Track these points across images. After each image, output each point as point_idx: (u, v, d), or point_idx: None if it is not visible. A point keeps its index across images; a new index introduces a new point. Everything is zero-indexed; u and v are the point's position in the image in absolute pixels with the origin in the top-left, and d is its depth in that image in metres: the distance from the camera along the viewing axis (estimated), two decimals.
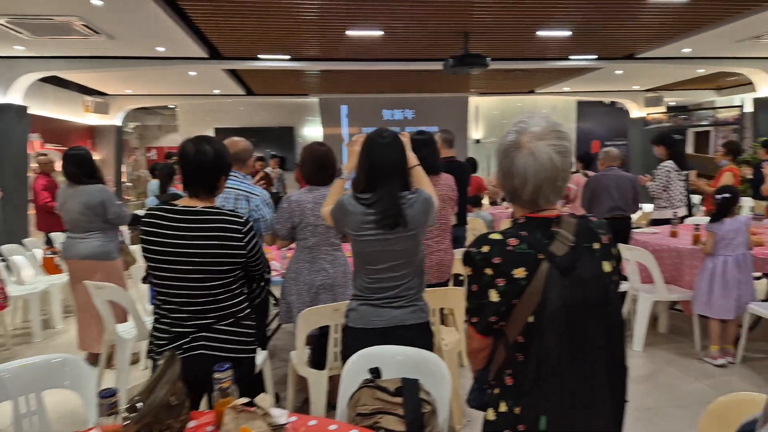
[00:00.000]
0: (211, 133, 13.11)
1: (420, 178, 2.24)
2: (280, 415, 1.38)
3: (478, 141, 14.17)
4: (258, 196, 2.91)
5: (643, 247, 4.15)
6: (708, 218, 5.20)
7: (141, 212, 8.32)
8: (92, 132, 11.52)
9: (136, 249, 4.26)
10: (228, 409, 1.35)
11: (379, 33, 7.10)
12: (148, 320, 3.16)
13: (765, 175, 4.95)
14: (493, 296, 1.21)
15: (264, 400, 1.37)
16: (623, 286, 4.30)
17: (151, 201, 4.51)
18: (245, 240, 1.89)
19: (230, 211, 1.92)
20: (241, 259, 1.89)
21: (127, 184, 13.06)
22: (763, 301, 3.97)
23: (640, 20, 6.78)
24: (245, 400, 1.37)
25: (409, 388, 1.69)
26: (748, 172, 4.96)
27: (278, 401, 3.19)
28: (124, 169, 12.54)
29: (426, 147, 2.93)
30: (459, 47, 7.40)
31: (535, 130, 1.23)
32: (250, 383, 1.96)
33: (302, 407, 3.16)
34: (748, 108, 10.59)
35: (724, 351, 3.66)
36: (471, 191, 5.77)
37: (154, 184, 7.20)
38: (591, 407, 1.17)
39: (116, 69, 8.22)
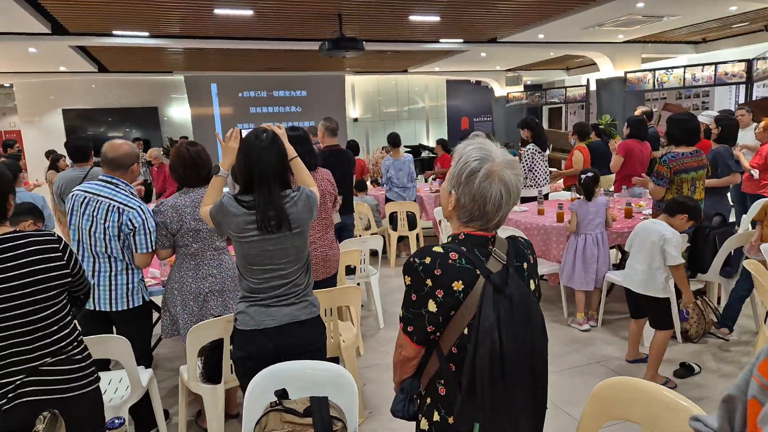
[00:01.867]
0: (58, 115, 11.66)
1: (299, 170, 2.27)
2: None
3: (356, 120, 14.25)
4: (134, 209, 2.63)
5: (515, 226, 4.50)
6: (567, 193, 5.81)
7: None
8: None
9: None
10: None
11: (249, 12, 6.74)
12: None
13: (612, 152, 5.59)
14: (432, 306, 1.27)
15: None
16: None
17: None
18: (65, 258, 1.69)
19: (37, 231, 1.71)
20: (66, 279, 1.70)
21: None
22: (614, 267, 4.53)
23: (501, 9, 7.20)
24: None
25: (319, 408, 1.67)
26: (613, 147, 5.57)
27: (168, 417, 2.99)
28: None
29: (301, 144, 2.87)
30: (334, 29, 7.30)
31: (500, 160, 1.30)
32: (96, 421, 1.79)
33: (196, 420, 3.00)
34: (593, 87, 11.84)
35: (588, 316, 4.13)
36: (355, 176, 5.79)
37: None
38: (517, 414, 1.26)
39: None
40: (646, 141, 5.47)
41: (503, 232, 4.39)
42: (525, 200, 5.63)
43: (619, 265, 4.78)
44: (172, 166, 2.75)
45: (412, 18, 7.47)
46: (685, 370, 3.32)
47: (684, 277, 3.16)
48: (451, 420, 1.30)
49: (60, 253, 1.68)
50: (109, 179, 2.68)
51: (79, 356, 1.75)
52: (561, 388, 3.25)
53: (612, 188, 5.66)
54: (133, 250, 2.66)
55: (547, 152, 5.86)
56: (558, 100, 13.45)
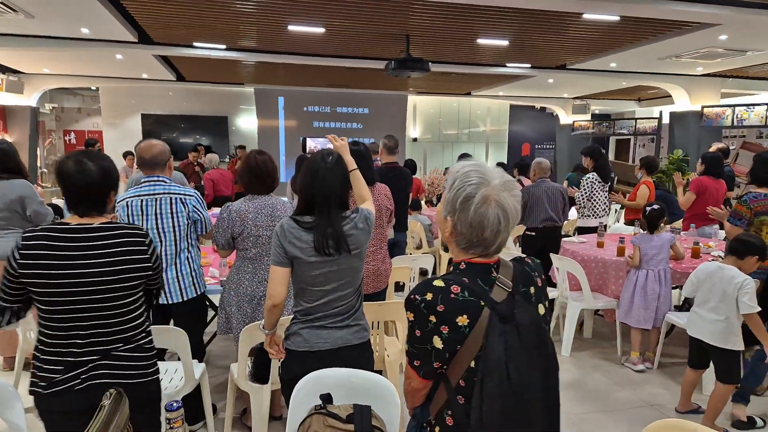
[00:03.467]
0: (137, 119, 12.44)
1: (357, 182, 2.27)
2: None
3: (415, 139, 14.34)
4: (192, 196, 2.85)
5: (572, 257, 4.38)
6: (629, 227, 5.60)
7: (58, 201, 7.75)
8: (4, 112, 10.57)
9: None
10: None
11: (321, 30, 6.99)
12: None
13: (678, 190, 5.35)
14: (437, 343, 1.23)
15: None
16: (553, 293, 4.52)
17: None
18: (149, 252, 1.81)
19: (129, 224, 1.83)
20: (147, 272, 1.81)
21: (43, 169, 12.13)
22: (676, 308, 4.31)
23: (572, 35, 7.10)
24: None
25: (361, 415, 1.68)
26: (680, 182, 5.35)
27: (216, 412, 3.09)
28: (39, 153, 11.61)
29: (360, 159, 2.93)
30: (400, 49, 7.43)
31: (497, 182, 1.26)
32: (154, 408, 1.88)
33: (241, 417, 3.08)
34: (666, 119, 11.40)
35: (643, 357, 3.94)
36: (411, 195, 5.83)
37: None
38: None
39: (35, 48, 7.57)
40: (722, 179, 5.20)
41: (559, 262, 4.30)
42: (583, 231, 5.48)
43: (681, 307, 4.54)
44: (240, 172, 2.88)
45: (480, 41, 7.49)
46: (748, 422, 3.10)
47: (762, 326, 2.90)
48: None
49: (146, 247, 1.80)
50: (155, 178, 2.82)
51: (148, 346, 1.86)
52: (608, 427, 3.12)
53: (680, 225, 5.41)
54: (202, 231, 2.90)
55: (610, 184, 5.68)
56: (627, 131, 13.02)
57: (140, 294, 1.83)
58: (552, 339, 1.29)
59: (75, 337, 1.71)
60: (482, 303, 1.22)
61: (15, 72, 10.26)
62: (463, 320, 1.21)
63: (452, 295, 1.22)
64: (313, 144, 2.38)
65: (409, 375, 1.34)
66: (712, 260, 4.03)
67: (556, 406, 1.28)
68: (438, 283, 1.25)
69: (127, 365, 1.77)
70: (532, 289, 1.31)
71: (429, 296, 1.23)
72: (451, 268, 1.33)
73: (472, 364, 1.22)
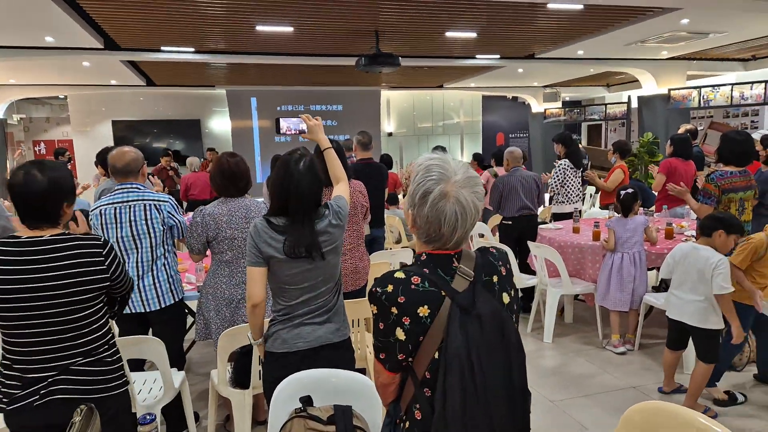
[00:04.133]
0: (108, 126, 12.18)
1: (332, 162, 2.27)
2: None
3: (390, 134, 14.34)
4: (167, 202, 2.81)
5: (549, 244, 4.43)
6: (604, 211, 5.69)
7: None
8: None
9: None
10: None
11: (290, 29, 6.93)
12: None
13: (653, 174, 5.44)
14: (400, 334, 1.23)
15: None
16: (532, 281, 4.57)
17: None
18: (107, 263, 1.76)
19: (84, 235, 1.77)
20: (105, 284, 1.76)
21: None
22: (653, 289, 4.40)
23: (539, 25, 7.16)
24: None
25: (343, 416, 1.68)
26: (654, 169, 5.43)
27: (198, 420, 3.05)
28: (8, 165, 11.30)
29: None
30: (370, 45, 7.41)
31: (457, 179, 1.26)
32: (123, 422, 1.84)
33: (225, 424, 3.06)
34: (634, 104, 11.58)
35: (624, 339, 4.01)
36: (388, 189, 5.82)
37: None
38: None
39: None
40: (691, 160, 5.31)
41: (536, 249, 4.33)
42: (559, 217, 5.55)
43: (659, 288, 4.64)
44: (212, 175, 2.85)
45: (449, 34, 7.51)
46: (729, 399, 3.17)
47: (732, 307, 2.93)
48: None
49: (102, 258, 1.74)
50: (128, 185, 2.76)
51: (110, 359, 1.81)
52: (591, 411, 3.17)
53: (652, 207, 5.51)
54: (180, 236, 2.85)
55: (582, 170, 5.75)
56: (598, 117, 13.19)
57: (99, 306, 1.78)
58: (517, 328, 1.28)
59: (32, 353, 1.67)
60: (443, 293, 1.22)
61: None
62: (423, 311, 1.21)
63: (413, 286, 1.22)
64: (286, 125, 2.31)
65: (377, 369, 1.34)
66: (685, 240, 4.12)
67: (524, 397, 1.27)
68: (399, 274, 1.25)
69: (88, 380, 1.73)
70: (495, 278, 1.31)
71: (390, 288, 1.23)
72: (413, 261, 1.33)
73: (436, 355, 1.22)
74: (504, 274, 1.34)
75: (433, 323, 1.21)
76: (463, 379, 1.16)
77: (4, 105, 10.69)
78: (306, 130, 2.32)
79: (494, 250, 1.37)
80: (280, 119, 2.32)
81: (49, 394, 1.67)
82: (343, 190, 2.22)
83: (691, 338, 3.17)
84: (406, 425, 1.33)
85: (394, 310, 1.22)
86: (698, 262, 2.99)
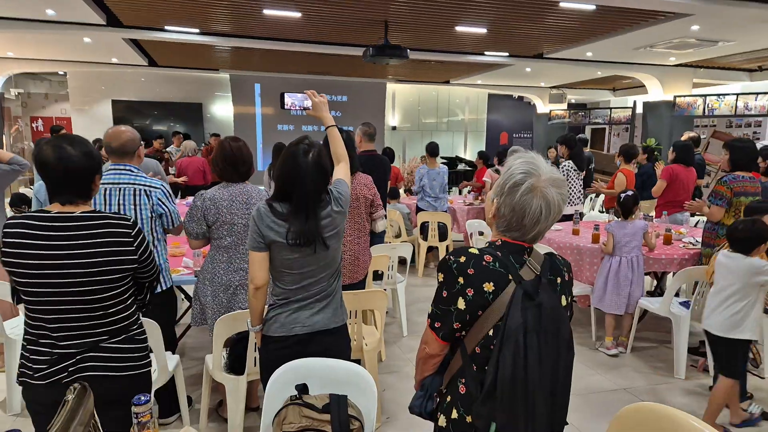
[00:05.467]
0: (107, 106, 12.10)
1: (334, 140, 2.25)
2: None
3: (394, 128, 14.30)
4: (158, 188, 2.73)
5: (548, 244, 4.42)
6: (604, 215, 5.68)
7: (26, 191, 7.50)
8: None
9: None
10: None
11: (297, 15, 6.87)
12: None
13: (656, 177, 5.44)
14: (461, 304, 1.29)
15: None
16: None
17: (41, 186, 3.99)
18: (135, 244, 1.74)
19: (115, 214, 1.75)
20: (132, 265, 1.74)
21: None
22: (649, 294, 4.40)
23: (549, 24, 7.13)
24: None
25: (338, 405, 1.67)
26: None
27: (191, 404, 3.04)
28: (5, 141, 11.22)
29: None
30: (379, 36, 7.36)
31: (547, 177, 1.32)
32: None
33: (217, 409, 3.04)
34: (639, 109, 11.57)
35: (617, 342, 4.02)
36: (389, 183, 5.80)
37: None
38: (534, 420, 1.25)
39: None
40: (692, 167, 5.31)
41: (539, 250, 4.33)
42: (559, 219, 5.53)
43: (653, 292, 4.64)
44: (214, 159, 2.81)
45: (459, 29, 7.47)
46: (763, 417, 3.03)
47: None
48: (468, 419, 1.32)
49: (131, 238, 1.72)
50: (122, 166, 2.69)
51: (139, 337, 1.81)
52: (582, 411, 3.17)
53: (653, 213, 5.51)
54: (169, 225, 2.77)
55: (585, 172, 5.76)
56: (602, 120, 13.19)
57: (128, 285, 1.77)
58: (571, 330, 1.32)
59: (60, 330, 1.66)
60: (510, 277, 1.28)
61: None
62: (489, 287, 1.27)
63: (484, 263, 1.29)
64: (290, 100, 2.26)
65: (426, 339, 1.40)
66: (683, 246, 4.13)
67: (566, 393, 1.33)
68: (473, 250, 1.33)
69: (116, 357, 1.72)
70: (558, 280, 1.37)
71: (462, 259, 1.30)
72: (487, 245, 1.38)
73: (491, 332, 1.28)
74: (567, 280, 1.40)
75: (495, 300, 1.27)
76: (516, 358, 1.21)
77: (1, 78, 10.58)
78: (310, 107, 2.29)
79: (560, 258, 1.44)
80: (285, 94, 2.29)
81: (78, 371, 1.66)
82: (343, 172, 2.19)
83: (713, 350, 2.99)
84: (448, 399, 1.38)
85: (461, 279, 1.29)
86: (741, 269, 2.78)
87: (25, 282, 1.62)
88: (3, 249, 1.61)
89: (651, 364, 3.84)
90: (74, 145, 1.66)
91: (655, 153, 8.75)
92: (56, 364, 1.65)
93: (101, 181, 2.62)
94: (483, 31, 7.56)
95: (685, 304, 3.74)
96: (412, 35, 7.94)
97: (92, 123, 11.89)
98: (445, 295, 1.32)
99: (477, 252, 1.32)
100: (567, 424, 1.35)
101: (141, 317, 1.87)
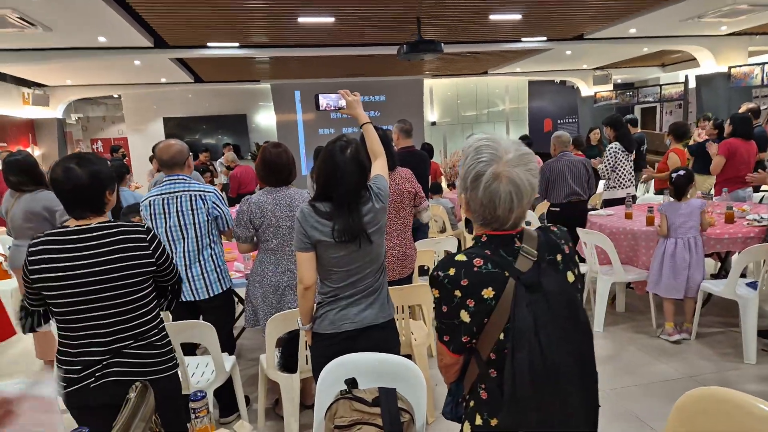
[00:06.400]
0: (160, 123, 12.65)
1: (370, 136, 2.26)
2: None
3: (433, 123, 14.23)
4: (212, 192, 2.88)
5: (600, 230, 4.28)
6: (658, 197, 5.45)
7: None
8: (32, 126, 10.90)
9: None
10: None
11: (331, 19, 6.96)
12: None
13: (711, 155, 5.17)
14: (464, 317, 1.22)
15: (243, 427, 1.33)
16: (582, 268, 4.43)
17: None
18: (151, 249, 1.81)
19: (129, 223, 1.84)
20: (150, 269, 1.82)
21: None
22: (713, 277, 4.19)
23: (587, 2, 6.90)
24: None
25: (387, 398, 1.68)
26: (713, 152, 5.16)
27: (248, 404, 3.14)
28: None
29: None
30: (412, 32, 7.35)
31: (510, 157, 1.22)
32: (177, 404, 1.90)
33: (274, 407, 3.13)
34: (692, 84, 11.01)
35: (680, 328, 3.84)
36: (430, 178, 5.78)
37: None
38: (565, 419, 1.19)
39: (56, 61, 7.75)
40: (752, 140, 5.01)
41: (586, 236, 4.19)
42: (610, 203, 5.36)
43: (718, 275, 4.41)
44: (257, 166, 2.90)
45: (493, 17, 7.35)
46: None
47: None
48: (493, 422, 1.25)
49: (147, 243, 1.81)
50: (175, 177, 2.85)
51: (160, 342, 1.88)
52: (646, 401, 3.06)
53: (712, 191, 5.23)
54: (224, 227, 2.91)
55: (637, 153, 5.54)
56: (652, 99, 12.63)
57: (148, 290, 1.85)
58: (584, 307, 1.26)
59: (87, 337, 1.76)
60: (506, 274, 1.20)
61: (40, 86, 10.56)
62: (488, 293, 1.19)
63: (475, 269, 1.21)
64: (325, 101, 2.30)
65: (440, 351, 1.33)
66: (748, 225, 3.90)
67: (593, 376, 1.25)
68: (460, 257, 1.23)
69: (140, 362, 1.80)
70: (559, 257, 1.28)
71: (452, 271, 1.22)
72: (473, 242, 1.31)
73: (501, 336, 1.20)
74: (567, 252, 1.31)
75: (498, 304, 1.19)
76: (532, 359, 1.14)
77: (62, 105, 11.27)
78: (345, 106, 2.33)
79: (556, 229, 1.34)
80: (319, 95, 2.33)
81: (104, 376, 1.76)
82: (381, 167, 2.21)
83: None
84: (471, 404, 1.33)
85: (457, 293, 1.21)
86: None
87: (53, 295, 1.72)
88: (29, 267, 1.70)
89: (718, 350, 3.65)
90: (81, 165, 1.74)
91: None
92: (85, 370, 1.75)
93: (159, 192, 2.80)
94: (518, 17, 7.40)
95: (753, 285, 3.53)
96: (445, 28, 7.88)
97: (147, 140, 12.44)
98: (445, 310, 1.24)
99: (465, 258, 1.22)
100: (599, 406, 1.28)
101: (163, 322, 1.94)
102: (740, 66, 9.79)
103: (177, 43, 7.93)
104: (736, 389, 1.45)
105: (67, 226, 1.76)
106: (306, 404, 3.00)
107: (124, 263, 1.74)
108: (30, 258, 1.70)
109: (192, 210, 2.80)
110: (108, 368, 1.76)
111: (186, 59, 9.29)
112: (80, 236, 1.73)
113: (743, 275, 3.64)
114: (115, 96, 13.08)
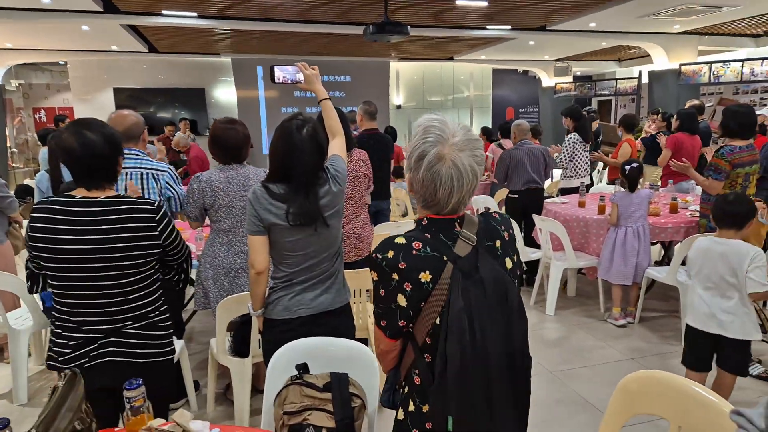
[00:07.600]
0: (110, 94, 12.06)
1: (329, 113, 2.20)
2: (202, 429, 1.29)
3: (399, 107, 14.16)
4: (166, 171, 2.70)
5: (554, 217, 4.37)
6: (611, 186, 5.61)
7: (30, 182, 7.52)
8: None
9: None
10: (142, 431, 1.24)
11: None
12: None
13: (661, 146, 5.35)
14: (401, 301, 1.20)
15: (183, 416, 1.28)
16: (537, 254, 4.54)
17: (42, 176, 3.97)
18: (159, 228, 1.73)
19: (139, 198, 1.73)
20: (156, 249, 1.74)
21: (13, 149, 11.78)
22: (656, 264, 4.36)
23: None
24: (161, 421, 1.26)
25: (338, 384, 1.66)
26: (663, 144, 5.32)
27: (198, 389, 3.07)
28: (8, 133, 11.24)
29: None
30: (378, 13, 7.23)
31: (456, 140, 1.20)
32: (166, 387, 1.84)
33: (225, 392, 3.07)
34: (645, 79, 11.36)
35: (625, 312, 3.99)
36: (393, 162, 5.76)
37: (45, 152, 6.49)
38: (492, 407, 1.17)
39: None
40: (697, 135, 5.22)
41: (541, 223, 4.29)
42: (566, 192, 5.48)
43: (661, 262, 4.60)
44: (209, 142, 2.78)
45: (459, 3, 7.32)
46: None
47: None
48: (425, 408, 1.25)
49: (155, 224, 1.71)
50: (127, 151, 2.60)
51: (162, 324, 1.80)
52: (592, 383, 3.17)
53: (658, 182, 5.43)
54: (177, 209, 2.73)
55: (591, 149, 5.69)
56: (608, 92, 12.97)
57: (151, 271, 1.77)
58: (520, 294, 1.24)
59: (83, 314, 1.67)
60: (444, 258, 1.19)
61: None
62: (425, 276, 1.18)
63: (414, 252, 1.19)
64: (281, 74, 2.18)
65: (377, 337, 1.31)
66: (690, 215, 4.06)
67: (525, 362, 1.23)
68: (400, 240, 1.21)
69: (139, 343, 1.72)
70: (497, 243, 1.28)
71: (390, 254, 1.20)
72: (415, 225, 1.29)
73: (438, 321, 1.19)
74: (507, 239, 1.30)
75: (435, 288, 1.18)
76: (463, 344, 1.13)
77: (2, 70, 10.54)
78: (302, 80, 2.22)
79: (497, 215, 1.33)
80: (275, 67, 2.20)
81: (99, 356, 1.67)
82: (339, 147, 2.14)
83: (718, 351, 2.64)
84: (405, 390, 1.32)
85: (395, 276, 1.19)
86: (732, 259, 2.48)
87: (51, 266, 1.64)
88: (30, 233, 1.62)
89: (659, 333, 3.82)
90: (93, 130, 1.65)
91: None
92: (79, 349, 1.67)
93: None
94: (484, 4, 7.40)
95: None
96: (412, 11, 7.80)
97: (95, 112, 11.84)
98: (383, 294, 1.22)
99: (404, 241, 1.21)
100: (530, 394, 1.27)
101: (165, 304, 1.86)
102: (690, 64, 10.16)
103: (129, 9, 7.50)
104: (676, 372, 1.52)
105: (73, 196, 1.65)
106: (259, 388, 2.94)
107: (127, 243, 1.65)
108: (32, 224, 1.61)
109: (142, 189, 2.62)
110: (104, 348, 1.68)
111: (139, 27, 8.82)
112: (88, 209, 1.63)
113: (683, 263, 3.80)
114: (61, 63, 12.34)
